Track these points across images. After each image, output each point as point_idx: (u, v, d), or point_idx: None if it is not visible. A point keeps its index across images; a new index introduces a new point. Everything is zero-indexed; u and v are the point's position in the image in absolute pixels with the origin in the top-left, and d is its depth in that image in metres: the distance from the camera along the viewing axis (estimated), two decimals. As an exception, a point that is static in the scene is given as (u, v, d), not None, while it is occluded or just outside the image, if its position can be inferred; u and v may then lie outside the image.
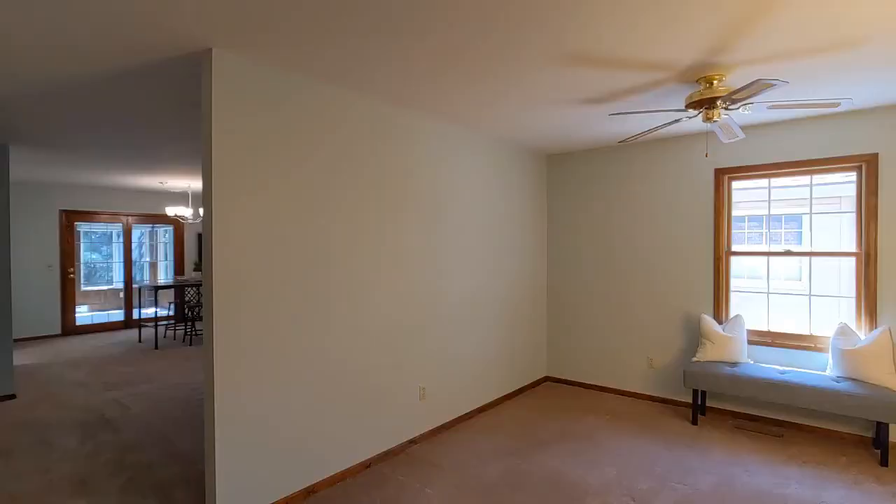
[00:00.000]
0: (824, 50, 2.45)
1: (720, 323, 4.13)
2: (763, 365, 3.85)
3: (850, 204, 3.77)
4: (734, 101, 2.64)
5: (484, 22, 2.12)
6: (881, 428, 3.22)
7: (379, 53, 2.48)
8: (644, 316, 4.58)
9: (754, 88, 2.34)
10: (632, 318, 4.65)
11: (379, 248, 3.29)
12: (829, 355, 3.62)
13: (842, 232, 5.92)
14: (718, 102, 2.73)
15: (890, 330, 3.34)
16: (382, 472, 3.13)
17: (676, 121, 3.06)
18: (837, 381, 3.41)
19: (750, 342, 4.00)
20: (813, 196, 3.94)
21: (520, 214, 4.77)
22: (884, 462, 3.20)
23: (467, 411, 4.11)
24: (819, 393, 3.35)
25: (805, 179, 3.97)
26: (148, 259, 9.30)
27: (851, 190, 3.60)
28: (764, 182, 4.06)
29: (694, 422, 3.95)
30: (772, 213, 4.08)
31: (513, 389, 4.71)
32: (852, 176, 3.73)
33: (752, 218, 4.67)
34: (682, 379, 4.36)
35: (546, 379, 5.23)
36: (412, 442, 3.56)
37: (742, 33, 2.25)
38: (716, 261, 4.17)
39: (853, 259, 3.67)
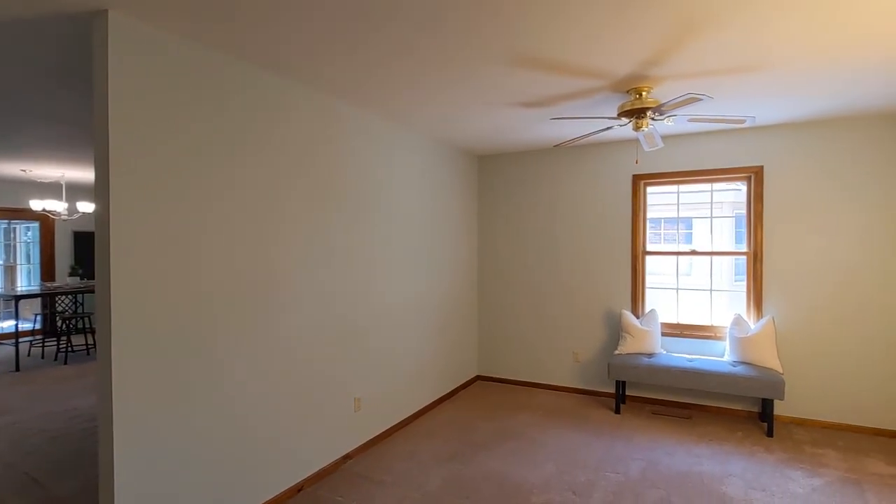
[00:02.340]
0: (735, 71, 2.71)
1: (638, 317, 4.45)
2: (675, 354, 4.23)
3: (731, 209, 4.29)
4: (663, 112, 2.82)
5: (435, 12, 2.02)
6: (767, 403, 3.68)
7: (318, 41, 2.27)
8: (569, 313, 4.80)
9: (684, 101, 2.51)
10: (558, 315, 4.85)
11: (308, 249, 3.05)
12: (727, 343, 4.07)
13: (722, 234, 6.75)
14: (648, 113, 2.91)
15: (773, 318, 3.83)
16: (317, 495, 2.91)
17: (609, 128, 3.22)
18: (734, 366, 3.84)
19: (663, 334, 4.37)
20: (699, 202, 4.41)
21: (452, 215, 4.74)
22: (770, 433, 3.67)
23: (403, 418, 3.99)
24: (721, 377, 3.75)
25: (702, 186, 4.43)
26: (2, 262, 7.82)
27: (731, 196, 4.13)
28: (673, 188, 4.46)
29: (617, 411, 4.22)
30: (679, 216, 4.49)
31: (447, 391, 4.68)
32: (732, 184, 4.23)
33: (656, 220, 5.12)
34: (605, 372, 4.64)
35: (477, 378, 5.27)
36: (347, 457, 3.36)
37: (672, 51, 2.40)
38: (633, 260, 4.49)
39: (730, 258, 4.16)
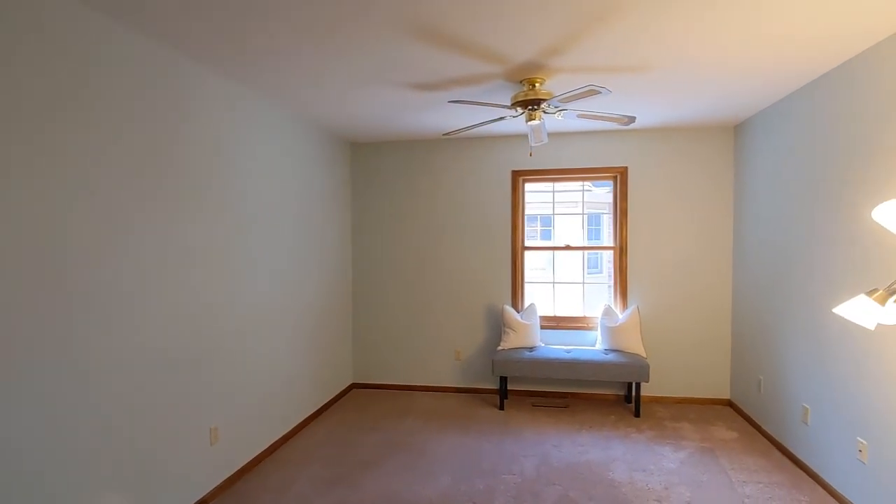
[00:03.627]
0: (621, 70, 2.79)
1: (518, 312, 4.50)
2: (553, 346, 4.35)
3: (579, 207, 4.60)
4: (561, 103, 2.78)
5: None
6: (635, 387, 3.98)
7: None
8: (450, 310, 4.66)
9: (584, 92, 2.49)
10: (439, 313, 4.68)
11: (149, 249, 2.35)
12: (598, 332, 4.32)
13: (573, 231, 7.34)
14: (543, 105, 2.86)
15: (638, 308, 4.17)
16: (164, 558, 2.25)
17: (501, 118, 3.11)
18: (606, 354, 4.08)
19: (542, 327, 4.48)
20: (566, 199, 4.67)
21: (324, 209, 4.24)
22: (637, 413, 3.97)
23: (273, 441, 3.41)
24: (596, 365, 3.94)
25: (561, 185, 4.66)
26: None
27: (578, 197, 4.47)
28: (549, 186, 4.60)
29: (501, 407, 4.19)
30: (547, 213, 4.66)
31: (321, 405, 4.17)
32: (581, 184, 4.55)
33: (532, 217, 5.26)
34: (486, 368, 4.60)
35: (353, 387, 4.84)
36: (203, 502, 2.71)
37: (575, 40, 2.35)
38: (513, 255, 4.53)
39: (581, 252, 4.47)
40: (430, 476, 3.02)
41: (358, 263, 4.83)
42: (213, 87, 2.79)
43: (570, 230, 4.90)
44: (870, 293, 1.90)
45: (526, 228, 4.59)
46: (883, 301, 1.87)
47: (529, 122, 3.00)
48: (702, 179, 4.21)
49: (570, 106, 3.01)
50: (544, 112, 2.98)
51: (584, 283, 4.57)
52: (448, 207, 4.64)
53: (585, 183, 4.60)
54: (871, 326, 1.89)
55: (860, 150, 2.52)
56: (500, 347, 4.29)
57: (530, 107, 2.90)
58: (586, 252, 4.62)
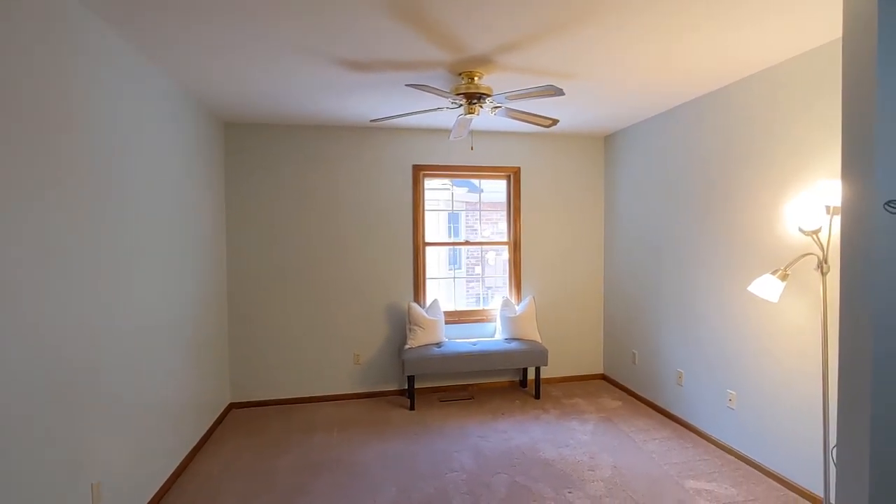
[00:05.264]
0: (557, 75, 2.98)
1: (424, 309, 4.44)
2: (459, 340, 4.41)
3: (445, 205, 4.84)
4: (507, 100, 2.82)
5: None
6: (535, 371, 4.30)
7: None
8: (348, 312, 4.35)
9: (542, 92, 2.58)
10: (335, 315, 4.33)
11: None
12: (498, 323, 4.54)
13: (438, 228, 7.59)
14: (489, 100, 2.88)
15: (533, 298, 4.52)
16: None
17: (439, 108, 3.03)
18: (508, 343, 4.32)
19: (445, 322, 4.50)
20: (431, 198, 4.82)
21: (196, 200, 3.53)
22: (537, 395, 4.30)
23: (162, 483, 2.71)
24: (501, 354, 4.14)
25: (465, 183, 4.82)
26: None
27: (446, 195, 4.70)
28: (458, 182, 4.66)
29: (412, 408, 4.08)
30: (453, 210, 4.73)
31: (202, 433, 3.47)
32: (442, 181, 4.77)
33: (448, 214, 5.24)
34: (388, 370, 4.42)
35: (231, 407, 4.15)
36: (86, 584, 2.01)
37: (536, 41, 2.43)
38: (415, 251, 4.45)
39: (446, 248, 4.74)
40: (373, 491, 2.78)
41: (234, 263, 4.15)
42: (90, 31, 2.08)
43: (435, 227, 4.98)
44: (773, 272, 2.40)
45: (427, 224, 4.56)
46: (783, 277, 2.38)
47: (466, 116, 3.00)
48: (579, 181, 4.76)
49: (504, 103, 3.10)
50: (480, 106, 3.00)
51: (483, 276, 4.75)
52: (344, 201, 4.32)
53: (446, 181, 4.72)
54: (775, 299, 2.39)
55: (714, 161, 3.18)
56: (407, 346, 4.17)
57: (473, 100, 2.90)
58: (448, 248, 4.81)
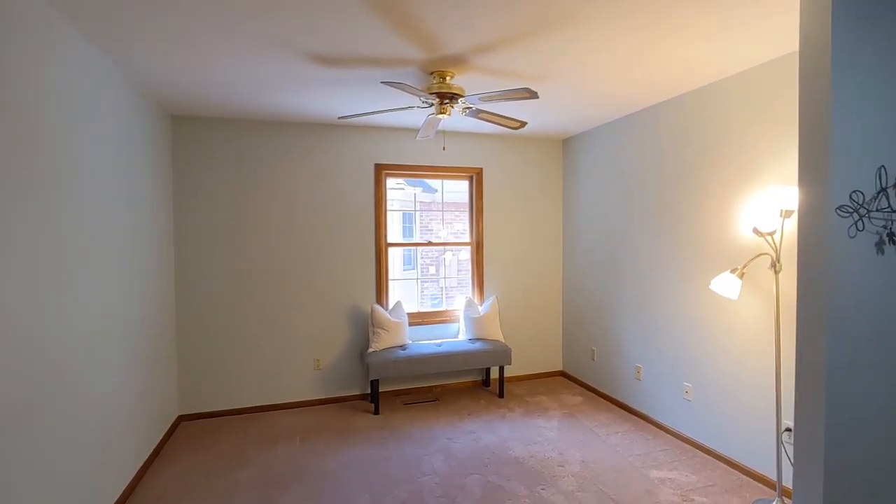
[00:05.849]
0: (530, 78, 3.02)
1: (387, 311, 4.35)
2: (423, 342, 4.37)
3: (399, 205, 4.84)
4: (480, 101, 2.81)
5: None
6: (499, 370, 4.33)
7: None
8: (307, 316, 4.19)
9: (518, 94, 2.59)
10: (294, 319, 4.16)
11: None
12: (462, 323, 4.54)
13: (393, 228, 7.49)
14: (462, 100, 2.86)
15: (497, 298, 4.55)
16: None
17: (410, 107, 2.98)
18: (473, 343, 4.33)
19: (409, 324, 4.44)
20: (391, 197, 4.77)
21: (142, 197, 3.27)
22: (501, 394, 4.34)
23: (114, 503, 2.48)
24: (466, 355, 4.15)
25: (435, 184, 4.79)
26: None
27: (399, 195, 4.68)
28: (411, 182, 4.59)
29: (376, 412, 3.99)
30: (416, 209, 4.68)
31: (152, 449, 3.22)
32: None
33: (403, 214, 5.15)
34: (351, 373, 4.30)
35: (181, 420, 3.87)
36: None
37: (512, 43, 2.45)
38: (377, 252, 4.36)
39: (399, 249, 4.75)
40: (346, 500, 2.69)
41: (184, 264, 3.88)
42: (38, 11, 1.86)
43: (390, 227, 4.91)
44: (732, 271, 2.54)
45: (389, 225, 4.48)
46: (741, 276, 2.53)
47: (437, 115, 2.97)
48: (539, 182, 4.86)
49: (476, 104, 3.09)
50: (452, 106, 2.98)
51: (445, 277, 4.73)
52: (304, 200, 4.15)
53: (400, 181, 4.68)
54: (735, 296, 2.53)
55: (669, 165, 3.36)
56: (371, 349, 4.08)
57: (445, 100, 2.87)
58: (403, 249, 4.81)
